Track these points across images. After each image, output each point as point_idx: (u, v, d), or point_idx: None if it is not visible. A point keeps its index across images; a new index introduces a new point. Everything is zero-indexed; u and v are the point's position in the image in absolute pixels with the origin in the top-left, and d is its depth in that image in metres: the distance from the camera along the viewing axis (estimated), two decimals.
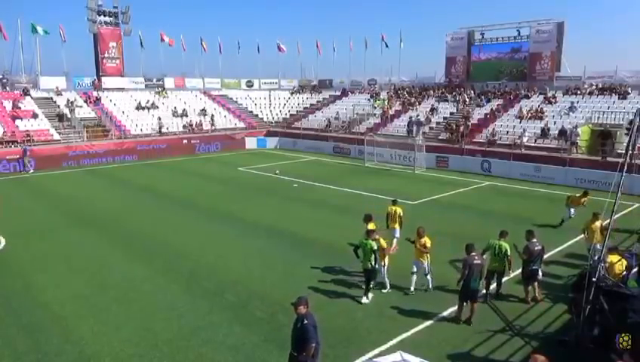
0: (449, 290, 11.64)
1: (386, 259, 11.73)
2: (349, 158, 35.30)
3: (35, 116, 34.85)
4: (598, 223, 12.87)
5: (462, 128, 32.72)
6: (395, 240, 14.04)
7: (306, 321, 6.88)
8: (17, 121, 33.75)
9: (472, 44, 41.01)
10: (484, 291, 10.93)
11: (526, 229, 11.50)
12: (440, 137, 33.94)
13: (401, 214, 14.47)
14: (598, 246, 12.60)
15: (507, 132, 31.30)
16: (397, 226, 14.37)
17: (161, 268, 13.39)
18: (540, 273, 11.07)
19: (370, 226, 12.28)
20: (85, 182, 27.16)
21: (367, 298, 11.03)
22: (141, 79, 45.48)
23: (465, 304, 10.04)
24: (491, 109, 35.04)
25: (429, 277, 11.55)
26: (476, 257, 10.05)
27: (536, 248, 10.89)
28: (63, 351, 9.04)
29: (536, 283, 11.07)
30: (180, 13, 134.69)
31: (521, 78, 38.10)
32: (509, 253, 10.81)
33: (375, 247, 10.86)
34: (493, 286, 11.18)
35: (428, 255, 11.41)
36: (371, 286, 11.18)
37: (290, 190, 24.40)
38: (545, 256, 13.58)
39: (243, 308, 10.78)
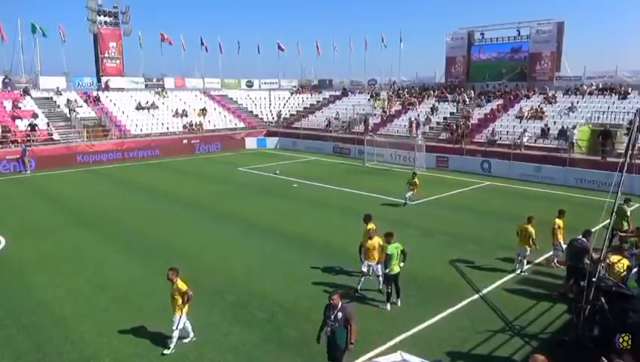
0: (448, 290, 11.67)
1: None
2: (349, 158, 35.30)
3: (35, 116, 34.84)
4: (530, 226, 12.58)
5: (462, 128, 32.75)
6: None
7: None
8: (17, 121, 33.76)
9: (472, 44, 40.97)
10: None
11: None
12: (440, 137, 33.99)
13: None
14: (528, 251, 12.69)
15: (507, 132, 31.31)
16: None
17: (160, 268, 13.28)
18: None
19: (370, 226, 12.27)
20: (85, 182, 27.15)
21: (394, 301, 10.85)
22: (141, 79, 45.51)
23: None
24: (491, 109, 35.06)
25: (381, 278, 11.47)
26: None
27: (573, 244, 11.25)
28: (63, 351, 9.04)
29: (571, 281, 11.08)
30: (180, 13, 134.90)
31: (521, 78, 38.10)
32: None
33: (402, 247, 10.83)
34: None
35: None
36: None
37: (290, 190, 24.40)
38: (544, 256, 13.71)
39: (243, 308, 10.78)
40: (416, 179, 20.72)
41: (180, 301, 8.91)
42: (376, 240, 11.29)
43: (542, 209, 19.42)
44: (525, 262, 12.98)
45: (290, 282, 12.22)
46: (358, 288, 11.57)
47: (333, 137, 39.23)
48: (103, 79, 43.07)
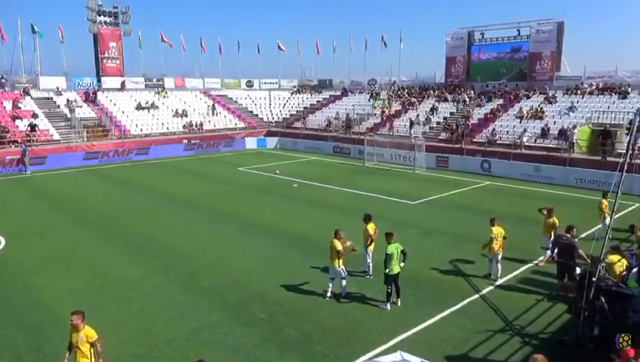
0: (448, 290, 11.68)
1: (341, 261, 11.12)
2: (349, 158, 35.30)
3: (35, 116, 34.84)
4: (495, 229, 12.28)
5: (462, 128, 32.75)
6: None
7: None
8: (17, 121, 33.75)
9: (472, 43, 40.95)
10: None
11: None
12: (440, 137, 33.99)
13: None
14: (499, 256, 12.23)
15: (507, 132, 31.30)
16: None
17: (161, 268, 13.39)
18: (577, 271, 10.63)
19: (370, 226, 12.29)
20: (85, 182, 27.14)
21: (394, 301, 10.83)
22: (141, 79, 45.52)
23: None
24: (491, 109, 35.06)
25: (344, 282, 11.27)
26: None
27: (560, 241, 11.26)
28: (63, 352, 9.02)
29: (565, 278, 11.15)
30: (180, 13, 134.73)
31: (521, 78, 38.10)
32: None
33: (402, 247, 10.80)
34: None
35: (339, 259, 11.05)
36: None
37: (290, 190, 24.40)
38: (544, 256, 13.69)
39: (243, 308, 10.78)
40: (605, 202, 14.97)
41: (87, 352, 7.04)
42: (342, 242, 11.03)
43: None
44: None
45: (291, 282, 12.21)
46: (370, 272, 12.06)
47: (333, 137, 39.26)
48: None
